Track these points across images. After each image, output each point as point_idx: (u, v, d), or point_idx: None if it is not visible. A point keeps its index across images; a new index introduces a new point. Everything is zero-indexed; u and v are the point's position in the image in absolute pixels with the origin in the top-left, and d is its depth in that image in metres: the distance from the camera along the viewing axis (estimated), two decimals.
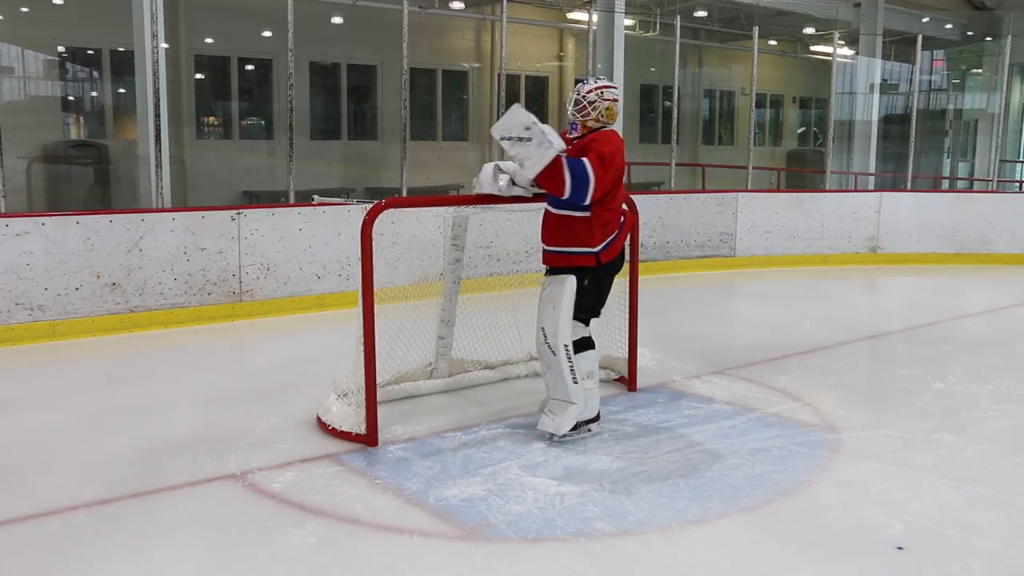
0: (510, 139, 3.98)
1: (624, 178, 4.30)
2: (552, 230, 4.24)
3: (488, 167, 4.41)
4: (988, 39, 16.95)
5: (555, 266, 4.27)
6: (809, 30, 16.31)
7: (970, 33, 17.34)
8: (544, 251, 4.33)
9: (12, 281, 6.07)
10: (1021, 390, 5.35)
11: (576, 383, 4.20)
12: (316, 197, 4.98)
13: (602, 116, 4.24)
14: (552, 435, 4.24)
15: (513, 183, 4.38)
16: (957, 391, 5.36)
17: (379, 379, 4.30)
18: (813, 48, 17.27)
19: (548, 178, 4.01)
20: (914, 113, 11.23)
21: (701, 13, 15.41)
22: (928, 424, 4.64)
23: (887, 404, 5.09)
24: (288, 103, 7.65)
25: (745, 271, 9.93)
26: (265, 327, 6.86)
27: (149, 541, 3.25)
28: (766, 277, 9.68)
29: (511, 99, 7.20)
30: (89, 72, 10.96)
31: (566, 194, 4.01)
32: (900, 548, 3.23)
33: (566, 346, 4.18)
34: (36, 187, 10.03)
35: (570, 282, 4.18)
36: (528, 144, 3.94)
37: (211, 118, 12.02)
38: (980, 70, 17.80)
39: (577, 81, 4.34)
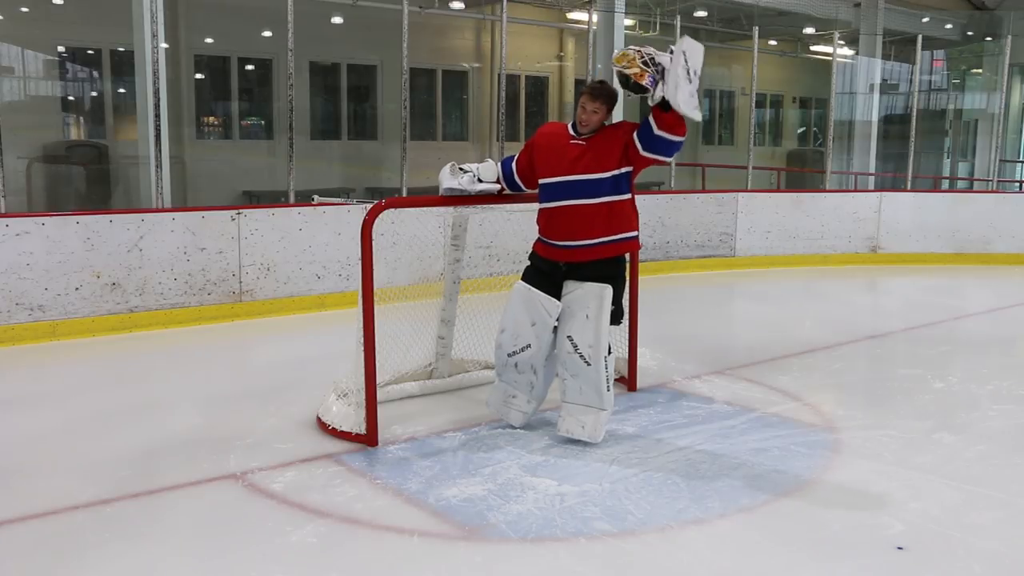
0: (685, 65, 3.90)
1: None
2: (601, 220, 4.13)
3: (447, 166, 4.49)
4: (988, 39, 16.95)
5: (605, 257, 4.16)
6: (809, 30, 16.31)
7: (970, 33, 17.33)
8: (588, 247, 4.15)
9: (12, 281, 6.06)
10: (1021, 390, 5.35)
11: (609, 391, 4.21)
12: (316, 197, 4.98)
13: None
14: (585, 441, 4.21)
15: (479, 180, 4.46)
16: (957, 391, 5.36)
17: (379, 379, 4.30)
18: (813, 48, 17.26)
19: (678, 118, 4.03)
20: (914, 113, 11.23)
21: (701, 13, 15.41)
22: (928, 424, 4.64)
23: (887, 404, 5.09)
24: (288, 103, 7.65)
25: (745, 271, 9.92)
26: (265, 327, 6.86)
27: (149, 541, 3.25)
28: (766, 277, 9.68)
29: (511, 99, 7.21)
30: (89, 72, 10.96)
31: (683, 134, 4.10)
32: (900, 548, 3.23)
33: (605, 356, 4.15)
34: (36, 187, 10.03)
35: (608, 292, 4.14)
36: (688, 84, 3.93)
37: (211, 118, 12.02)
38: (980, 70, 17.80)
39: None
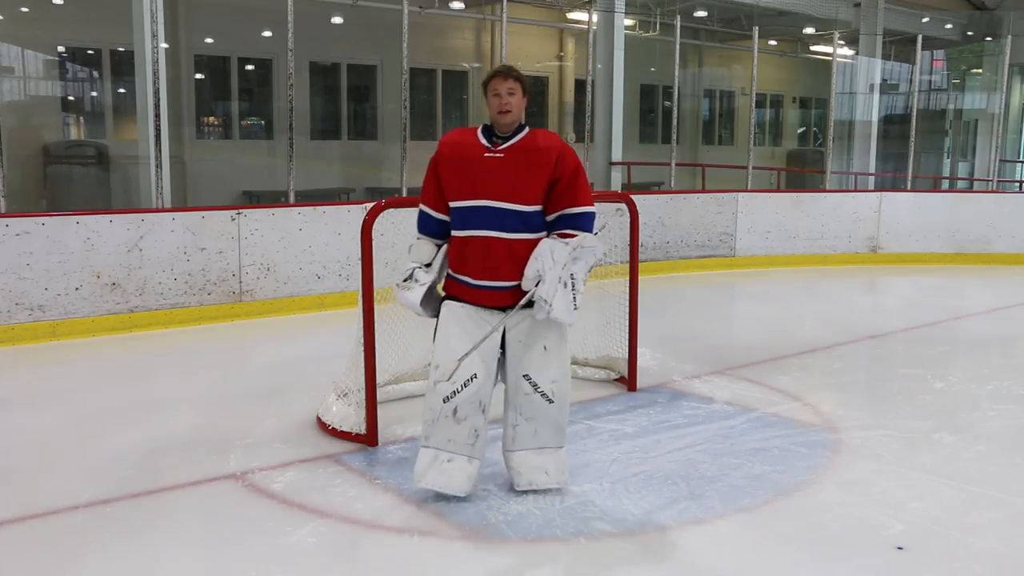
0: (565, 275, 3.40)
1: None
2: (520, 262, 3.45)
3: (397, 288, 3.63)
4: (988, 39, 16.97)
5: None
6: (809, 30, 16.33)
7: (970, 33, 17.35)
8: (510, 290, 3.46)
9: (12, 281, 6.06)
10: (1021, 390, 5.35)
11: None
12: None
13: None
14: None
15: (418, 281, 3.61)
16: (957, 391, 5.36)
17: (379, 379, 4.30)
18: (813, 48, 17.28)
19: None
20: (914, 113, 11.23)
21: (701, 13, 15.42)
22: (928, 424, 4.64)
23: (887, 404, 5.09)
24: (288, 103, 7.64)
25: (745, 271, 9.92)
26: (265, 327, 6.86)
27: (149, 541, 3.25)
28: (766, 277, 9.68)
29: None
30: (89, 72, 10.96)
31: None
32: (900, 548, 3.23)
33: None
34: (36, 187, 10.03)
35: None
36: (566, 292, 3.39)
37: (211, 118, 12.03)
38: (980, 70, 17.81)
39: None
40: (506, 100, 3.42)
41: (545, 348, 3.51)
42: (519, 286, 3.44)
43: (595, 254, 3.46)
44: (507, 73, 3.46)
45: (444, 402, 3.44)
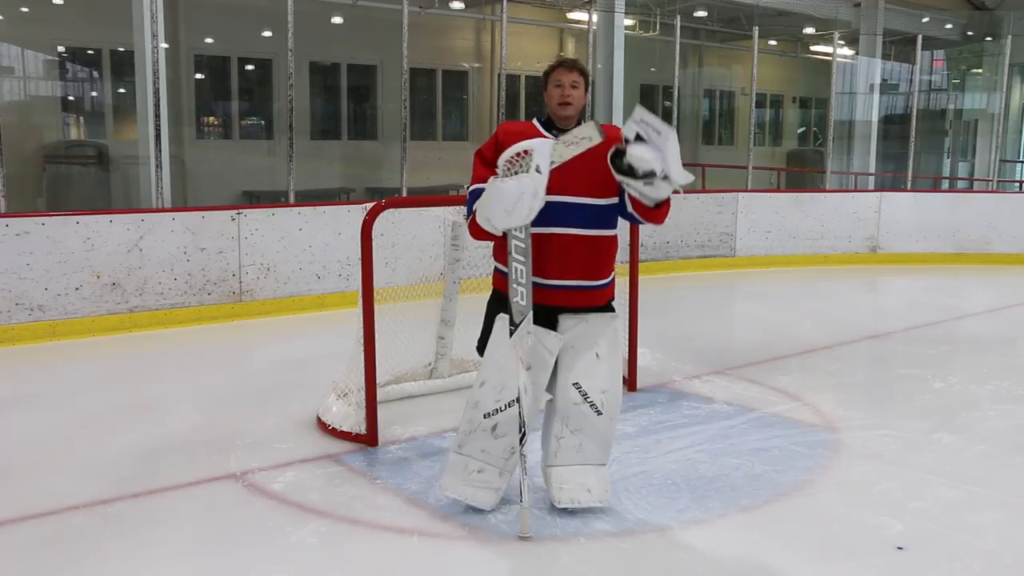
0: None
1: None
2: (600, 259, 3.37)
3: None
4: (988, 39, 16.96)
5: (602, 304, 3.41)
6: (809, 30, 16.32)
7: (970, 33, 17.34)
8: (586, 289, 3.35)
9: (12, 281, 6.06)
10: (1021, 390, 5.35)
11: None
12: None
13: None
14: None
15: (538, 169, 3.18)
16: (957, 391, 5.36)
17: (379, 379, 4.30)
18: (813, 48, 17.27)
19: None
20: (914, 113, 11.23)
21: (701, 13, 15.41)
22: (928, 424, 4.64)
23: (887, 404, 5.09)
24: (288, 103, 7.64)
25: (745, 271, 9.92)
26: (265, 327, 6.86)
27: (149, 541, 3.25)
28: (766, 277, 9.68)
29: (511, 99, 7.21)
30: (89, 72, 10.96)
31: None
32: (900, 548, 3.23)
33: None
34: (36, 187, 10.03)
35: (618, 323, 3.44)
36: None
37: (211, 118, 12.03)
38: (980, 70, 17.80)
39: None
40: (568, 92, 3.31)
41: (597, 355, 3.36)
42: (594, 287, 3.34)
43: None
44: (573, 66, 3.36)
45: (484, 417, 3.33)
